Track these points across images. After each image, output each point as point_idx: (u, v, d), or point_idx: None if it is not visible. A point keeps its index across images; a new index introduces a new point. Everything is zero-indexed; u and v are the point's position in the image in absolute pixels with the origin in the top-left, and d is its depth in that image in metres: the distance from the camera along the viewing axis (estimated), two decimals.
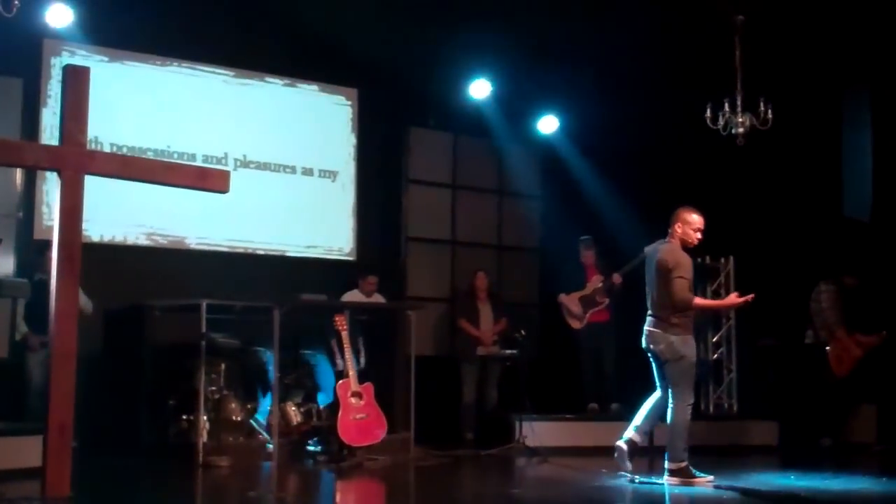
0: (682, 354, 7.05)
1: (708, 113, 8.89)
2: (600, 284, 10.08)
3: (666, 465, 7.09)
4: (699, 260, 10.97)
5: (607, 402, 10.06)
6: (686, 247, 7.22)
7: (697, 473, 7.04)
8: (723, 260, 11.04)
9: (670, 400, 7.12)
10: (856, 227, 9.64)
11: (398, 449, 8.67)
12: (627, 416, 9.75)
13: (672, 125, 10.36)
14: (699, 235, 7.20)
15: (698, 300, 7.25)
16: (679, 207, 7.24)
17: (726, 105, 8.86)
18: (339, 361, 8.77)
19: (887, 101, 9.56)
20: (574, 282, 10.25)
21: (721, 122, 8.89)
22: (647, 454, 9.17)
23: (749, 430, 9.95)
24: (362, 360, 9.13)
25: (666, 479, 7.04)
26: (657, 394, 7.32)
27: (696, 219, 7.16)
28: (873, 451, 9.17)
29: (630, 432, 7.27)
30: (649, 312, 7.25)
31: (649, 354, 7.29)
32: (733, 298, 7.28)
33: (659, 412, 7.26)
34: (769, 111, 8.76)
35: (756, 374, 10.55)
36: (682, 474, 7.02)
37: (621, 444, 7.23)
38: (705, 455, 8.50)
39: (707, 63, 9.31)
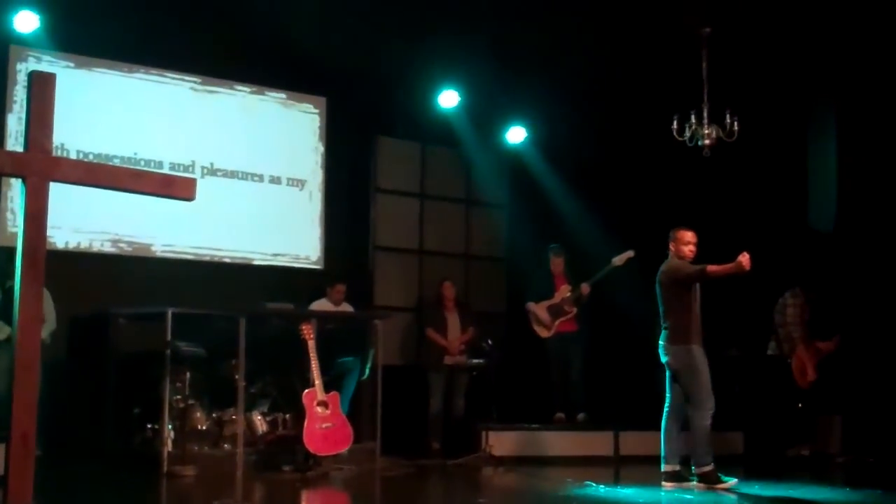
0: (688, 364, 7.39)
1: (675, 124, 8.96)
2: (568, 294, 10.12)
3: (693, 469, 7.36)
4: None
5: (574, 412, 10.09)
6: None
7: (724, 478, 7.27)
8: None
9: (690, 409, 7.41)
10: (820, 238, 9.73)
11: (364, 458, 8.64)
12: (594, 425, 9.86)
13: (639, 136, 10.43)
14: (692, 248, 7.63)
15: (711, 266, 7.41)
16: (673, 228, 7.73)
17: (693, 117, 8.93)
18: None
19: (852, 114, 9.66)
20: (542, 291, 10.28)
21: (687, 133, 8.96)
22: (613, 463, 9.24)
23: (715, 440, 9.98)
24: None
25: (694, 484, 7.31)
26: (666, 412, 7.61)
27: (688, 236, 7.64)
28: (838, 462, 9.24)
29: (665, 466, 7.49)
30: (662, 327, 7.64)
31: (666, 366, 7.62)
32: (743, 257, 7.20)
33: (676, 426, 7.52)
34: (735, 123, 8.84)
35: (721, 384, 10.60)
36: (708, 479, 7.27)
37: (666, 483, 7.41)
38: None
39: (674, 75, 9.38)
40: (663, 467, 7.46)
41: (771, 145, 9.98)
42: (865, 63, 9.16)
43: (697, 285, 7.56)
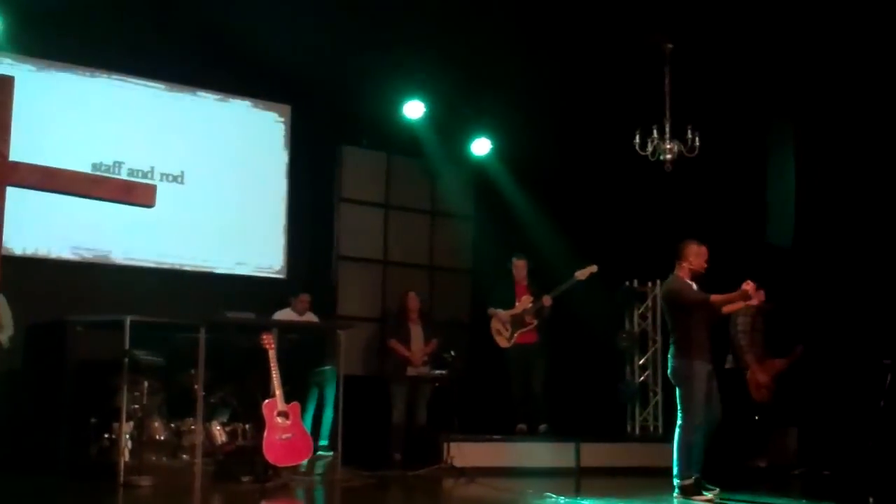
0: (684, 377, 7.46)
1: (637, 139, 9.01)
2: (530, 305, 10.14)
3: (674, 482, 7.42)
4: (626, 284, 11.13)
5: (536, 423, 10.09)
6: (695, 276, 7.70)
7: (706, 490, 7.35)
8: (650, 284, 11.18)
9: (679, 421, 7.47)
10: (778, 253, 9.81)
11: (324, 469, 8.60)
12: (555, 436, 9.87)
13: (602, 150, 10.49)
14: (706, 262, 7.72)
15: (714, 296, 7.52)
16: (684, 241, 7.81)
17: (655, 132, 8.99)
18: None
19: (810, 131, 9.76)
20: (503, 300, 10.30)
21: (650, 148, 9.01)
22: (574, 474, 9.25)
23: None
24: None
25: (675, 496, 7.36)
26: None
27: (703, 250, 7.73)
28: (794, 474, 9.31)
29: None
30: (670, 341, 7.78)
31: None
32: (748, 285, 7.39)
33: (697, 443, 7.49)
34: (696, 139, 8.91)
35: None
36: (687, 491, 7.33)
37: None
38: (631, 476, 8.61)
39: (637, 90, 9.44)
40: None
41: (731, 161, 10.06)
42: (823, 80, 9.26)
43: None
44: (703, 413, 7.43)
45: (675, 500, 7.36)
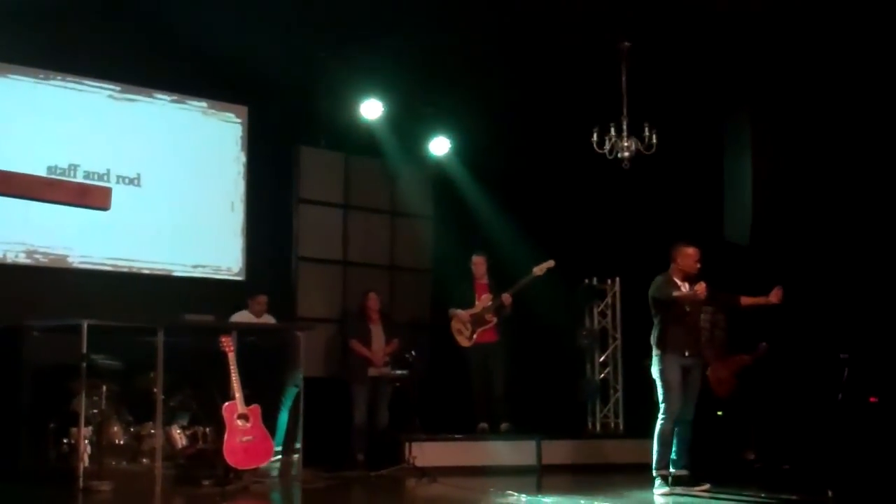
0: (659, 370, 7.80)
1: (594, 137, 9.06)
2: (490, 303, 10.16)
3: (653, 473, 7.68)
4: (586, 281, 11.19)
5: (497, 422, 10.11)
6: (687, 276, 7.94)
7: (666, 483, 7.61)
8: (609, 281, 11.26)
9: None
10: (735, 250, 9.90)
11: (286, 471, 8.58)
12: (517, 435, 9.91)
13: (560, 148, 10.53)
14: (698, 265, 7.97)
15: (677, 293, 7.84)
16: (676, 244, 8.05)
17: (612, 130, 9.04)
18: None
19: (767, 127, 9.86)
20: (463, 300, 10.31)
21: (607, 146, 9.06)
22: (535, 472, 9.29)
23: (635, 449, 10.09)
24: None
25: (655, 489, 7.64)
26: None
27: (695, 253, 7.98)
28: (753, 468, 9.39)
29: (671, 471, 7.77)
30: None
31: None
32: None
33: (678, 436, 7.78)
34: (654, 136, 8.98)
35: (642, 393, 10.74)
36: (683, 481, 7.63)
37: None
38: (592, 473, 8.65)
39: (594, 88, 9.49)
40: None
41: (688, 158, 10.14)
42: (780, 76, 9.36)
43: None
44: (678, 405, 7.71)
45: (654, 493, 7.53)
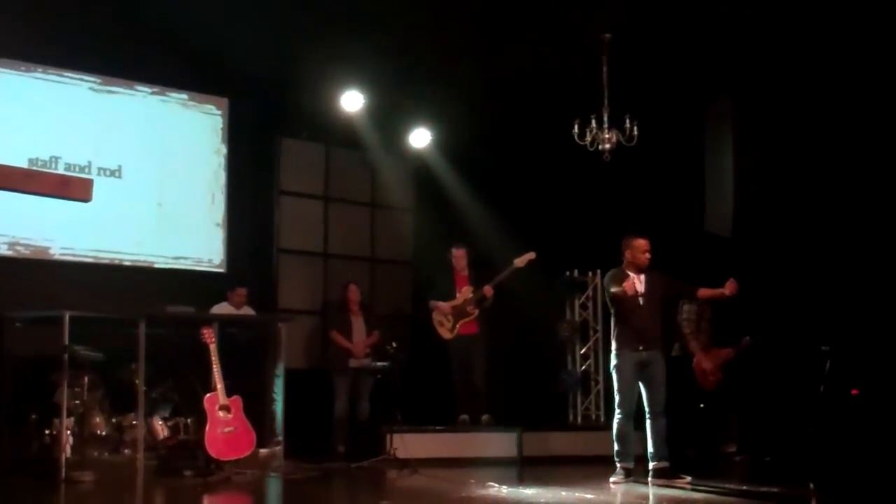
0: (612, 366, 7.98)
1: (575, 129, 9.08)
2: (471, 295, 10.17)
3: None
4: (567, 273, 11.22)
5: (478, 414, 10.13)
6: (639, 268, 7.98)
7: (619, 475, 7.73)
8: (590, 274, 11.31)
9: None
10: (717, 242, 9.94)
11: (268, 462, 8.59)
12: (498, 427, 9.94)
13: (541, 140, 10.55)
14: (648, 255, 7.96)
15: (614, 288, 7.90)
16: (626, 236, 8.06)
17: (593, 121, 9.07)
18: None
19: (748, 118, 9.89)
20: (444, 292, 10.32)
21: (588, 137, 9.09)
22: (516, 464, 9.33)
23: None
24: None
25: (611, 479, 7.78)
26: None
27: (643, 244, 7.98)
28: (734, 461, 9.45)
29: (650, 464, 7.89)
30: None
31: None
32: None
33: (652, 429, 7.85)
34: (635, 128, 9.01)
35: None
36: (662, 474, 7.72)
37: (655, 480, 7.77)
38: (573, 465, 8.70)
39: (575, 80, 9.51)
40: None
41: (669, 150, 10.18)
42: (761, 68, 9.39)
43: (644, 296, 7.90)
44: (629, 400, 7.79)
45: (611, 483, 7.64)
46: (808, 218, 9.59)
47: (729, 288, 7.83)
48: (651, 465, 7.80)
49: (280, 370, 9.03)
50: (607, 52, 9.10)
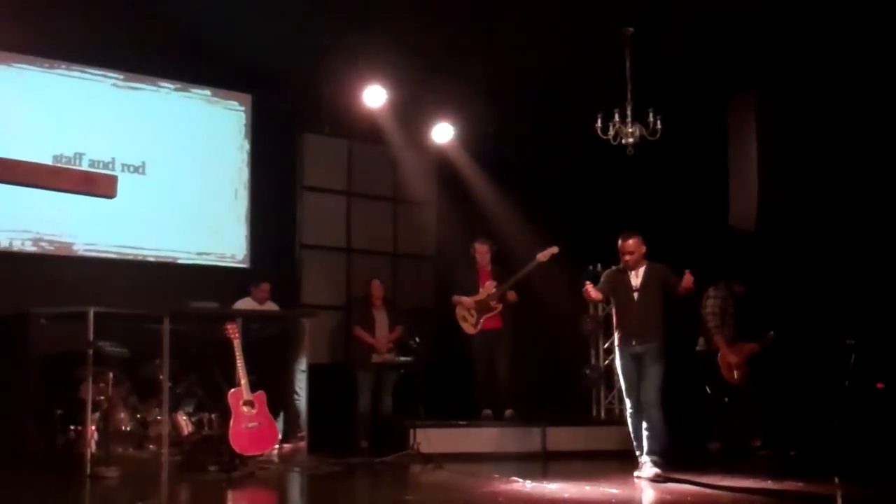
0: (616, 362, 8.10)
1: (598, 123, 9.05)
2: (494, 290, 10.15)
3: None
4: (590, 267, 11.17)
5: (501, 409, 10.11)
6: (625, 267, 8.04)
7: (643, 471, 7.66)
8: (614, 268, 11.23)
9: None
10: (741, 236, 9.89)
11: (291, 457, 8.61)
12: (521, 421, 9.92)
13: (564, 134, 10.52)
14: (626, 257, 7.98)
15: (586, 288, 8.16)
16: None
17: (616, 115, 9.03)
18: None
19: (772, 111, 9.84)
20: (467, 287, 10.30)
21: (611, 132, 9.05)
22: (540, 459, 9.32)
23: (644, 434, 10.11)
24: None
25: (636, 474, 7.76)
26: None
27: (620, 245, 8.01)
28: (759, 455, 9.40)
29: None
30: None
31: None
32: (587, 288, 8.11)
33: (646, 421, 7.84)
34: (658, 121, 8.97)
35: None
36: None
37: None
38: (597, 459, 8.68)
39: (598, 74, 9.47)
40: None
41: (693, 143, 10.13)
42: (785, 61, 9.33)
43: (639, 290, 7.92)
44: (633, 394, 7.87)
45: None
46: (833, 212, 9.53)
47: (686, 280, 7.72)
48: (640, 459, 7.75)
49: (303, 365, 9.05)
50: (630, 45, 9.06)
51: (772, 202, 9.80)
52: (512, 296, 10.04)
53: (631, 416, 7.90)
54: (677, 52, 9.33)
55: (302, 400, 9.06)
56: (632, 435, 7.92)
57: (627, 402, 7.93)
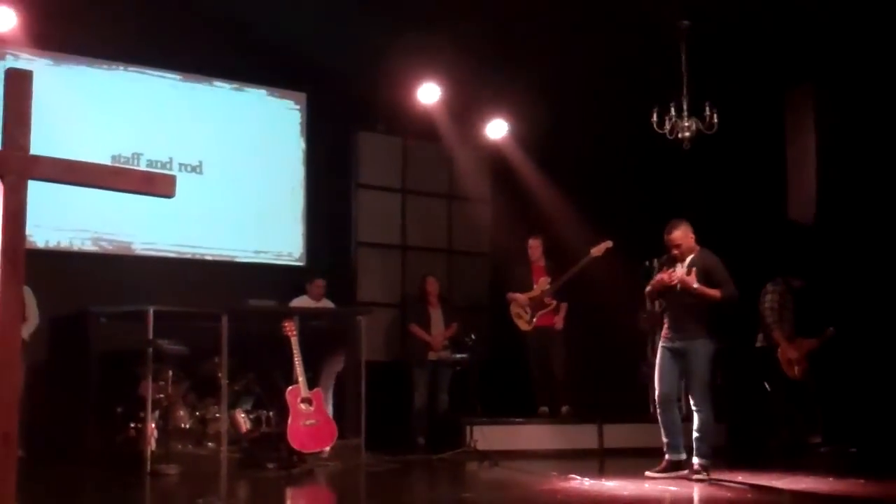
0: None
1: (654, 117, 8.98)
2: (548, 286, 10.10)
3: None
4: (647, 263, 11.08)
5: (557, 406, 10.07)
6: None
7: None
8: (665, 256, 11.12)
9: None
10: (800, 229, 9.76)
11: (349, 455, 8.64)
12: (578, 418, 9.88)
13: (619, 129, 10.44)
14: (673, 251, 7.66)
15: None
16: None
17: (672, 110, 8.96)
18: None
19: (830, 104, 9.70)
20: (521, 284, 10.26)
21: (667, 126, 8.98)
22: (597, 456, 9.26)
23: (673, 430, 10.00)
24: None
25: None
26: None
27: (665, 238, 7.69)
28: (819, 452, 9.28)
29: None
30: None
31: None
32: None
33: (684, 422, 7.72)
34: (714, 115, 8.87)
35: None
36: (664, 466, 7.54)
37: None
38: (654, 456, 8.58)
39: (653, 68, 9.39)
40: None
41: (750, 136, 10.01)
42: (843, 53, 9.19)
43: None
44: (660, 390, 7.54)
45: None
46: (892, 204, 9.36)
47: (687, 281, 7.49)
48: (666, 456, 7.59)
49: (360, 363, 9.07)
50: (685, 39, 8.98)
51: (830, 195, 9.68)
52: (563, 308, 10.05)
53: (658, 412, 7.60)
54: (733, 45, 9.22)
55: (359, 397, 9.09)
56: (662, 430, 7.60)
57: (658, 395, 7.58)
